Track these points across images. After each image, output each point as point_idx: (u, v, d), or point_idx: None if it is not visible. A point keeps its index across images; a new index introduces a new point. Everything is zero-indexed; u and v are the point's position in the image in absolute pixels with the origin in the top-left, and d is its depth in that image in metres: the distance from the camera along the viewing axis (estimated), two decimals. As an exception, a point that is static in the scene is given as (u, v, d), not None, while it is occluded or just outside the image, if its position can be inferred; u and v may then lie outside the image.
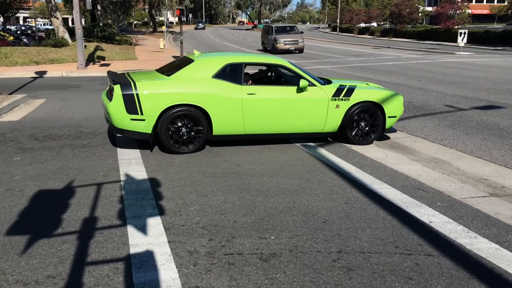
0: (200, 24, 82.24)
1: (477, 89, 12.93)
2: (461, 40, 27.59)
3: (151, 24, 69.50)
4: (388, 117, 7.11)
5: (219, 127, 6.49)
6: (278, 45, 28.14)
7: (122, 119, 6.16)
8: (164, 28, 36.11)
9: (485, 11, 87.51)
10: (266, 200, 4.78)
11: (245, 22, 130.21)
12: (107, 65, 18.77)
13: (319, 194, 5.00)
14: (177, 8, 25.67)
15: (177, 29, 60.29)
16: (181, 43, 24.65)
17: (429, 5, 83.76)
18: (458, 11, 43.60)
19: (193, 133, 6.41)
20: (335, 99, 6.83)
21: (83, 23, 32.82)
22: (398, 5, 54.73)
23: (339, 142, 7.26)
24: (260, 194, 4.96)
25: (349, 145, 7.11)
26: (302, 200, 4.81)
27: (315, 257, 3.60)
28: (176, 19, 76.42)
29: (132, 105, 6.10)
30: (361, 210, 4.59)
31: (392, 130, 8.00)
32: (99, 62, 20.01)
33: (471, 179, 5.62)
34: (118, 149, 6.68)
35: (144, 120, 6.16)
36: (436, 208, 4.66)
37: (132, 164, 5.95)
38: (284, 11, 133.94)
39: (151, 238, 3.86)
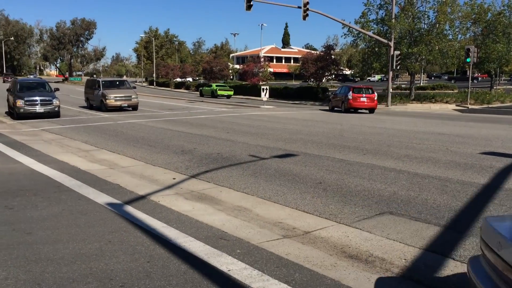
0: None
1: (276, 139, 14.36)
2: (264, 95, 30.68)
3: None
4: None
5: None
6: (108, 101, 25.04)
7: None
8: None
9: (284, 70, 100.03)
10: (58, 270, 4.34)
11: (55, 74, 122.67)
12: None
13: (120, 256, 4.76)
14: None
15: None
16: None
17: (237, 63, 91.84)
18: (261, 69, 48.71)
19: None
20: None
21: None
22: (209, 62, 58.58)
23: (148, 197, 7.15)
24: (52, 264, 4.48)
25: (157, 200, 7.05)
26: (100, 265, 4.51)
27: (107, 327, 3.35)
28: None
29: None
30: (163, 267, 4.51)
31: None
32: None
33: (268, 224, 6.07)
34: None
35: None
36: (235, 255, 4.87)
37: None
38: (98, 64, 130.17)
39: None
